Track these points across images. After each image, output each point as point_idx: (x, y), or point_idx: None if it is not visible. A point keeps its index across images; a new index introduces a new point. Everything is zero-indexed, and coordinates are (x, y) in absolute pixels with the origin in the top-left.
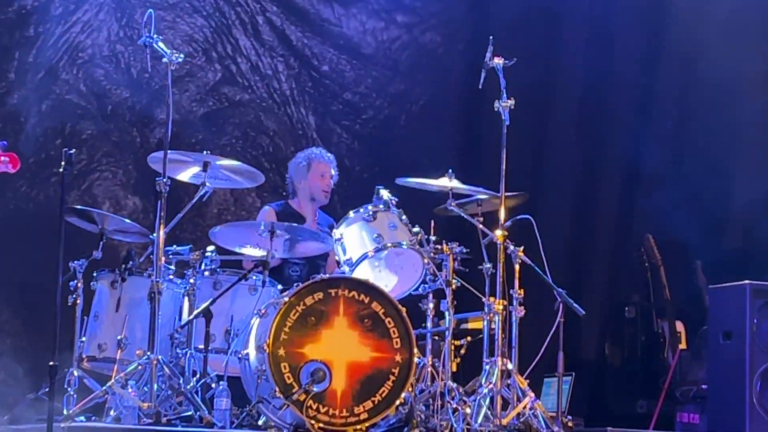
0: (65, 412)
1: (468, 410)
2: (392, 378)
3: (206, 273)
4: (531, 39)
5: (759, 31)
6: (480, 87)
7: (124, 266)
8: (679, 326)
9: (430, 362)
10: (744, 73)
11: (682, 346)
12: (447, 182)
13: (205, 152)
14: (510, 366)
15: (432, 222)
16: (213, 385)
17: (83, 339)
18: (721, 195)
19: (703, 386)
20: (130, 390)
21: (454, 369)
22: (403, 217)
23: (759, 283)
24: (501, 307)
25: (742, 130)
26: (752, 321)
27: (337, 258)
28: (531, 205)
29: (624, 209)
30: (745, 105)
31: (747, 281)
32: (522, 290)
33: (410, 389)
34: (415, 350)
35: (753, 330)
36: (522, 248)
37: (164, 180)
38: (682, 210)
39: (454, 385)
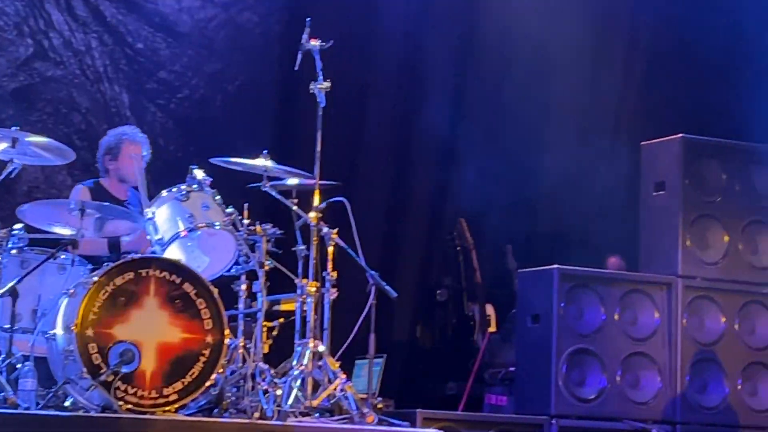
0: None
1: (279, 392)
2: (203, 359)
3: (13, 252)
4: (349, 21)
5: (572, 7)
6: (296, 69)
7: None
8: (489, 309)
9: (242, 344)
10: (557, 50)
11: (492, 329)
12: (262, 163)
13: (13, 128)
14: (322, 348)
15: (246, 203)
16: (18, 366)
17: None
18: (533, 177)
19: (511, 368)
20: None
21: (266, 350)
22: (217, 197)
23: (567, 267)
24: (314, 289)
25: (553, 109)
26: (559, 305)
27: (149, 237)
28: (346, 188)
29: (437, 192)
30: (557, 83)
31: (555, 265)
32: (335, 272)
33: (221, 371)
34: (227, 331)
35: (560, 313)
36: (336, 230)
37: None
38: (493, 193)
39: (266, 366)
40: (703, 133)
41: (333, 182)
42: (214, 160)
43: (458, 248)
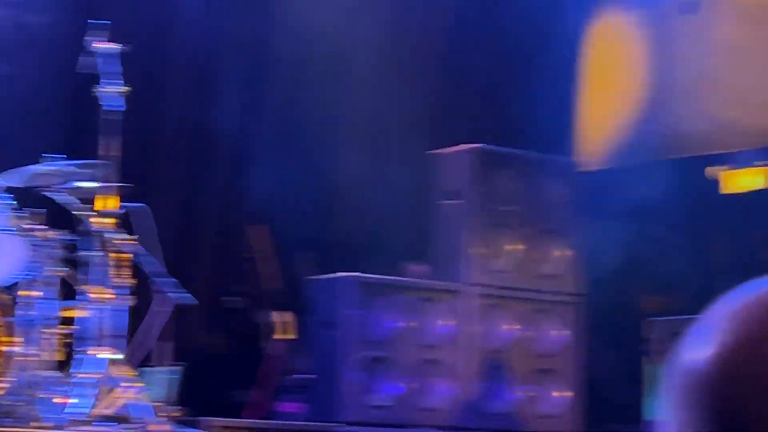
0: None
1: (71, 400)
2: None
3: None
4: (143, 23)
5: (367, 8)
6: (82, 71)
7: None
8: (287, 317)
9: (21, 350)
10: (352, 51)
11: (287, 335)
12: (52, 168)
13: None
14: (115, 355)
15: (41, 209)
16: None
17: None
18: (330, 183)
19: (305, 375)
20: None
21: (58, 357)
22: (11, 202)
23: (361, 275)
24: (107, 295)
25: (349, 114)
26: (352, 311)
27: None
28: (145, 193)
29: (233, 198)
30: (353, 86)
31: (350, 272)
32: (132, 279)
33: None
34: (16, 339)
35: (354, 321)
36: (133, 237)
37: None
38: (290, 198)
39: (51, 374)
40: (496, 143)
41: (129, 185)
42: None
43: (254, 254)
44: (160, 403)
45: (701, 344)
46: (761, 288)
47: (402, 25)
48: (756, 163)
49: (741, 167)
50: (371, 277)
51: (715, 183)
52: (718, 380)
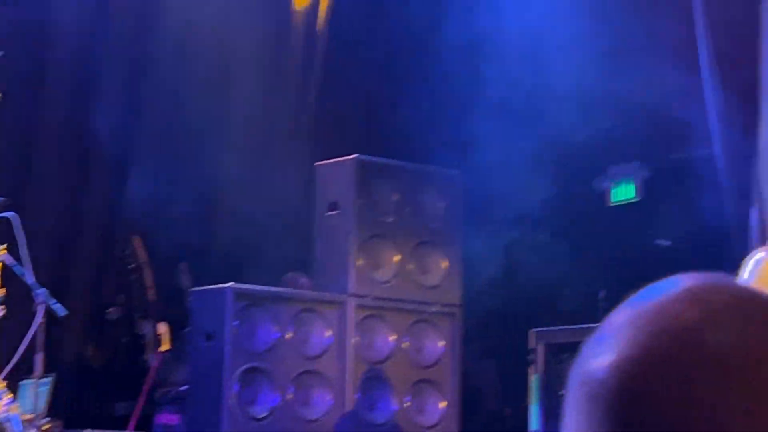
0: None
1: None
2: None
3: None
4: (19, 27)
5: (252, 14)
6: None
7: None
8: (162, 328)
9: None
10: (236, 58)
11: (165, 347)
12: None
13: None
14: None
15: None
16: None
17: None
18: (211, 193)
19: (183, 387)
20: None
21: None
22: None
23: (240, 286)
24: None
25: (232, 123)
26: (233, 323)
27: None
28: (18, 203)
29: (111, 207)
30: (236, 95)
31: (229, 283)
32: (3, 289)
33: None
34: None
35: (233, 332)
36: (4, 246)
37: None
38: (169, 208)
39: None
40: (376, 154)
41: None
42: None
43: (131, 265)
44: (30, 416)
45: (600, 352)
46: (660, 294)
47: (284, 34)
48: (632, 175)
49: (620, 179)
50: (251, 288)
51: (597, 193)
52: (615, 389)
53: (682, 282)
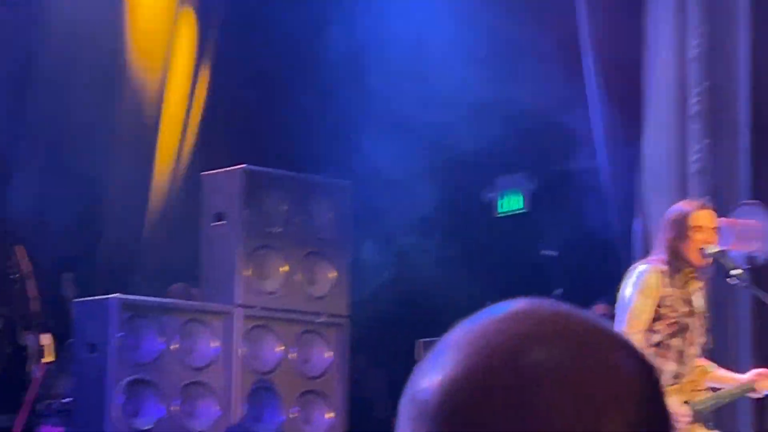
0: None
1: None
2: None
3: None
4: None
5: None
6: None
7: None
8: (46, 339)
9: None
10: (123, 63)
11: (49, 359)
12: None
13: None
14: None
15: None
16: None
17: None
18: (96, 203)
19: (67, 399)
20: None
21: None
22: None
23: (126, 296)
24: None
25: (118, 131)
26: (117, 334)
27: None
28: None
29: None
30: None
31: (115, 294)
32: None
33: None
34: None
35: (118, 343)
36: None
37: None
38: (53, 218)
39: None
40: (265, 164)
41: None
42: None
43: (13, 275)
44: None
45: (428, 372)
46: (488, 315)
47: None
48: (520, 186)
49: (507, 189)
50: (136, 299)
51: (485, 204)
52: (438, 407)
53: (511, 304)
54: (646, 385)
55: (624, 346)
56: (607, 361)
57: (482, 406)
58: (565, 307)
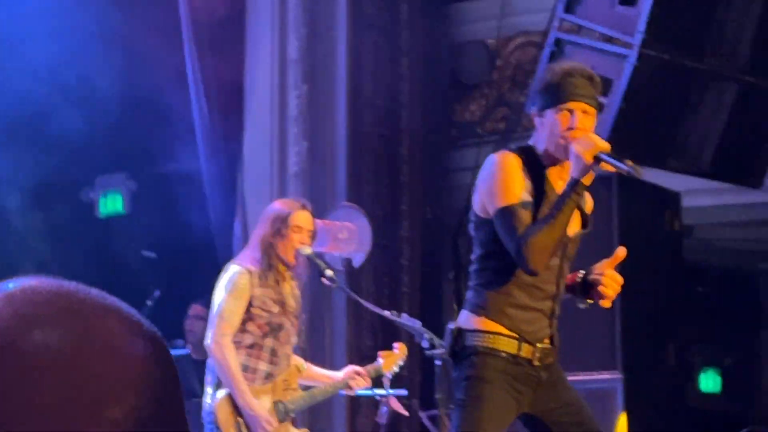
0: None
1: None
2: None
3: None
4: None
5: None
6: None
7: None
8: None
9: None
10: None
11: None
12: None
13: None
14: None
15: None
16: None
17: None
18: None
19: None
20: None
21: None
22: None
23: None
24: None
25: None
26: None
27: None
28: None
29: None
30: None
31: None
32: None
33: None
34: None
35: None
36: None
37: None
38: None
39: None
40: None
41: None
42: None
43: None
44: None
45: None
46: None
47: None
48: (120, 186)
49: (108, 190)
50: None
51: (86, 204)
52: None
53: (13, 284)
54: (156, 367)
55: (133, 326)
56: (113, 342)
57: None
58: (73, 286)
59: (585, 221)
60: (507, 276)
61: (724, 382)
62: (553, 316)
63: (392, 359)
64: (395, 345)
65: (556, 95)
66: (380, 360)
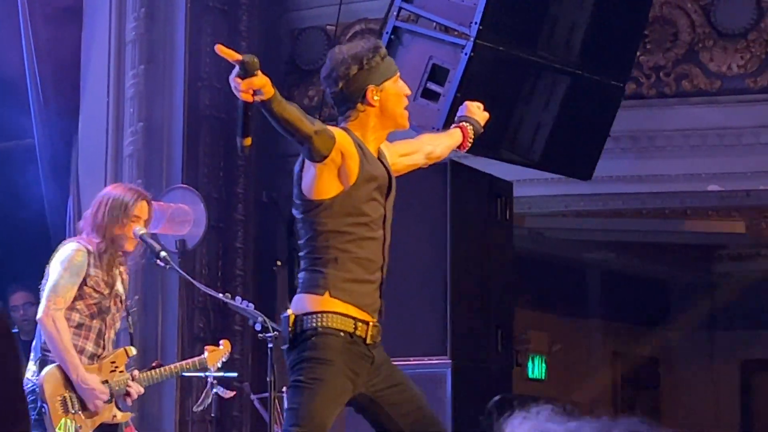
0: None
1: None
2: None
3: None
4: None
5: None
6: None
7: None
8: None
9: None
10: None
11: None
12: None
13: None
14: None
15: None
16: None
17: None
18: None
19: None
20: None
21: None
22: None
23: None
24: None
25: None
26: None
27: None
28: None
29: None
30: None
31: None
32: None
33: None
34: None
35: None
36: None
37: None
38: None
39: None
40: None
41: None
42: None
43: None
44: None
45: None
46: None
47: None
48: None
49: None
50: None
51: None
52: None
53: None
54: None
55: None
56: None
57: None
58: None
59: (391, 183)
60: (340, 252)
61: (548, 369)
62: (381, 286)
63: (217, 355)
64: (221, 342)
65: None
66: (206, 354)
